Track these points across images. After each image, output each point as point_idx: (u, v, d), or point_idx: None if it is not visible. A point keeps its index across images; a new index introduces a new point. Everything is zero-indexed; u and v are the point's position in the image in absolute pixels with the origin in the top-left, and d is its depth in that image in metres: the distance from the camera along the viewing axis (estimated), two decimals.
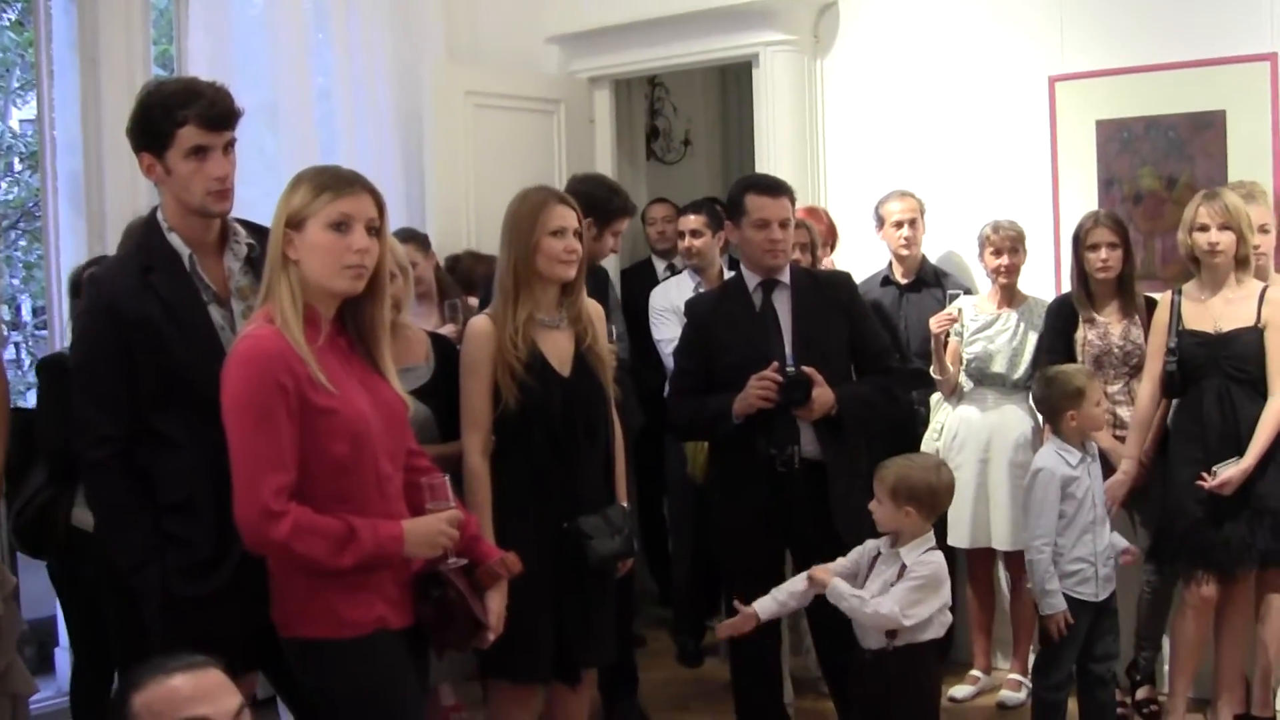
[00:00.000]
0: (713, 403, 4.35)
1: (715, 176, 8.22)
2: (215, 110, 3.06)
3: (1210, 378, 4.61)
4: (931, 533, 3.96)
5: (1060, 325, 5.10)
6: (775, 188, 4.45)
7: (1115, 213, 5.19)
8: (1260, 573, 4.69)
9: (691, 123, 8.28)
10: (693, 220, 5.89)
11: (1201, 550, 4.60)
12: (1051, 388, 4.47)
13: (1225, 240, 4.57)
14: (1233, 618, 4.74)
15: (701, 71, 7.76)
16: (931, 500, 3.92)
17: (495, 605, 3.10)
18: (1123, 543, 4.54)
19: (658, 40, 6.54)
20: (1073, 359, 4.94)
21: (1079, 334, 5.03)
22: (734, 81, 8.17)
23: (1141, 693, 5.18)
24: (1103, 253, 4.97)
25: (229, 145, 3.12)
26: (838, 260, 5.89)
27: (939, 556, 3.93)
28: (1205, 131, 5.25)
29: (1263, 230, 4.76)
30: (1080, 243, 5.03)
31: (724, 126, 8.44)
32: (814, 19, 6.24)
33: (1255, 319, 4.57)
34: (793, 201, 4.50)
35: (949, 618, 3.97)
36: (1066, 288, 5.25)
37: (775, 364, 4.24)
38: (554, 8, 6.84)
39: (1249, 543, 4.54)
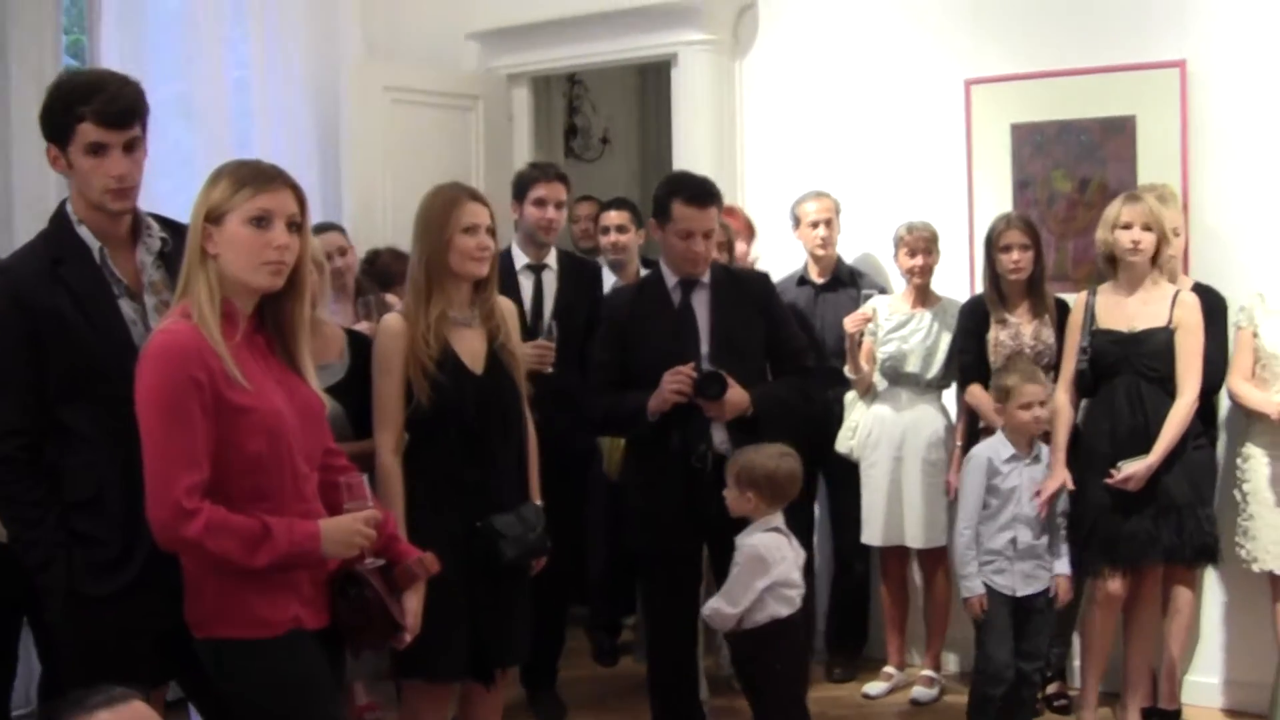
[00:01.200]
0: (629, 399, 4.35)
1: (633, 175, 8.25)
2: (114, 107, 2.99)
3: (1122, 374, 4.69)
4: (776, 517, 4.11)
5: (972, 326, 5.17)
6: (704, 198, 4.39)
7: (1027, 214, 5.28)
8: (1167, 568, 4.79)
9: (610, 121, 8.30)
10: (614, 216, 5.89)
11: (1107, 544, 4.67)
12: (994, 378, 4.66)
13: (1148, 240, 4.65)
14: (1140, 613, 4.82)
15: (620, 70, 7.77)
16: (770, 486, 4.06)
17: (412, 605, 3.07)
18: (1064, 569, 4.63)
19: (577, 38, 6.53)
20: (985, 359, 5.02)
21: (991, 334, 5.09)
22: (653, 80, 8.19)
23: (1052, 688, 5.26)
24: (1014, 254, 5.03)
25: (132, 143, 3.05)
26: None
27: (762, 537, 4.06)
28: (1116, 135, 5.34)
29: (1174, 233, 4.85)
30: (992, 244, 5.10)
31: (642, 125, 8.47)
32: (733, 20, 6.26)
33: (1168, 320, 4.65)
34: (720, 206, 4.50)
35: (792, 595, 4.06)
36: (980, 288, 5.31)
37: (692, 363, 4.25)
38: (474, 4, 6.78)
39: (1154, 536, 4.62)
